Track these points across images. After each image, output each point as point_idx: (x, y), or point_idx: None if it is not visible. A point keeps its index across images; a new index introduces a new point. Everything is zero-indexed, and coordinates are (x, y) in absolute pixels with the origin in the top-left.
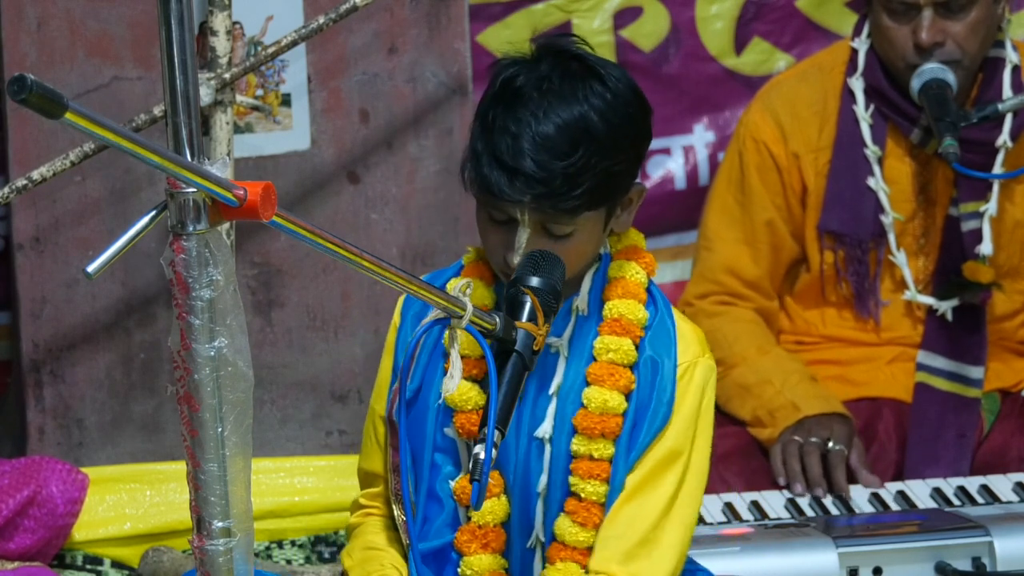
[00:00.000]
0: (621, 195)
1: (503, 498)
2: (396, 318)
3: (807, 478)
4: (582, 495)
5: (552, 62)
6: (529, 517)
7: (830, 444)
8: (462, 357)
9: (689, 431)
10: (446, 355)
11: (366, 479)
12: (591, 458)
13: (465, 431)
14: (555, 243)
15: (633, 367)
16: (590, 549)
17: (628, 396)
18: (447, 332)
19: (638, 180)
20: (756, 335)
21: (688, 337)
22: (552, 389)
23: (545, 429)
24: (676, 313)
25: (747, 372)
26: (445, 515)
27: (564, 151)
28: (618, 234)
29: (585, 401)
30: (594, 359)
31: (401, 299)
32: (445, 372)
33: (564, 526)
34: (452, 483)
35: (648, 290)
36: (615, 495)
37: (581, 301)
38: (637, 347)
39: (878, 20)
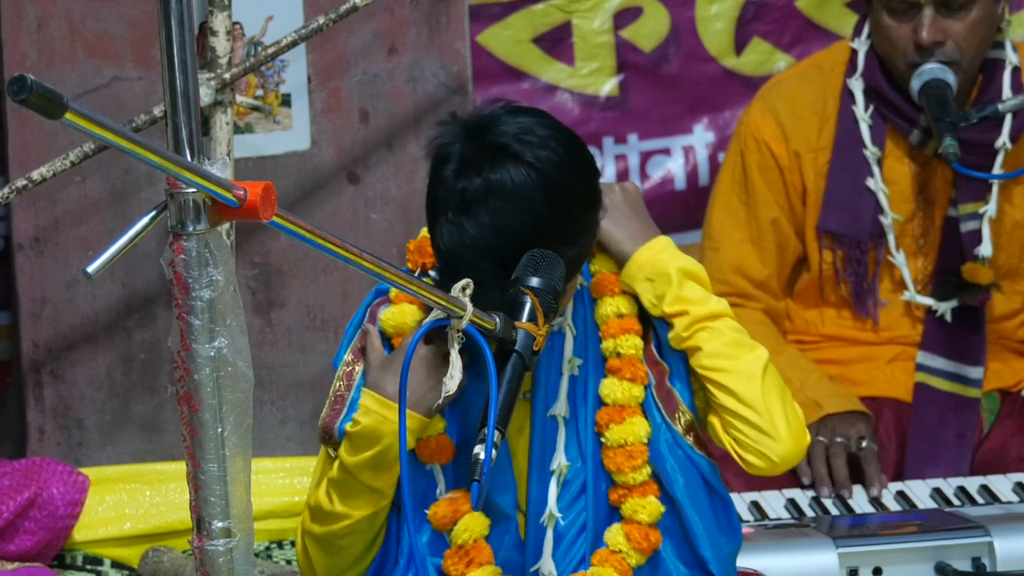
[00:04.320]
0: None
1: (479, 513)
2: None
3: (834, 480)
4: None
5: (482, 160)
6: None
7: (863, 443)
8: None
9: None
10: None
11: None
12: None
13: (428, 456)
14: None
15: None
16: (652, 525)
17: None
18: (448, 332)
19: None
20: (767, 336)
21: None
22: (564, 368)
23: (560, 408)
24: None
25: None
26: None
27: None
28: None
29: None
30: (598, 325)
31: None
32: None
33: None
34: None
35: None
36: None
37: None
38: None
39: (879, 20)
